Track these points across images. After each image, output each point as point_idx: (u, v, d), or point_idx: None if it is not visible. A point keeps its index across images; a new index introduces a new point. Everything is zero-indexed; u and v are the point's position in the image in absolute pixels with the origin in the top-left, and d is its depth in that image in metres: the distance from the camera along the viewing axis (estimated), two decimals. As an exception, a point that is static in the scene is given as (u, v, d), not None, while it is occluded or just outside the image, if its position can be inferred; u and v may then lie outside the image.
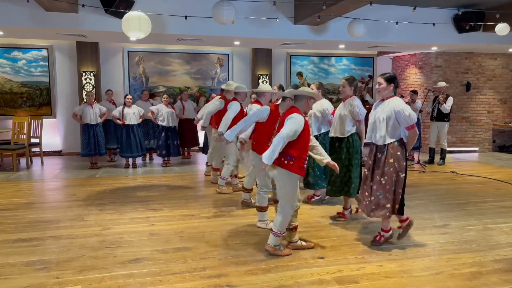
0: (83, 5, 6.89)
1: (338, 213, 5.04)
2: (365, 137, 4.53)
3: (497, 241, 4.29)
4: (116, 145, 8.87)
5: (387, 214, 3.95)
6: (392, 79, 3.98)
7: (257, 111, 4.37)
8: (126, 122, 8.09)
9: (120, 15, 6.60)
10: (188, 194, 6.25)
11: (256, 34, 8.08)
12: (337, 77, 11.40)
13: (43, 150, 8.89)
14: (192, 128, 9.44)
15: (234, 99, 6.03)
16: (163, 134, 8.32)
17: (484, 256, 3.88)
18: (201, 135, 9.77)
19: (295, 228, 4.01)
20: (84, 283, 3.30)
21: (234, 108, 5.79)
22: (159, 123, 8.27)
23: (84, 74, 9.60)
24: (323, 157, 3.96)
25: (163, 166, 8.51)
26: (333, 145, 4.92)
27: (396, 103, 3.88)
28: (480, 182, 7.21)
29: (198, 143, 9.73)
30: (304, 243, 4.06)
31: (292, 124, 3.58)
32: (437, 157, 9.24)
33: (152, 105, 8.84)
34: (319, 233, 4.50)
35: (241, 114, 5.68)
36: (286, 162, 3.64)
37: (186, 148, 9.62)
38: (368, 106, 10.97)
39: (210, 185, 6.86)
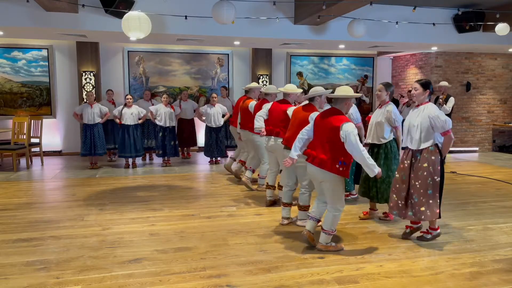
0: (83, 5, 6.89)
1: (384, 213, 4.99)
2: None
3: (497, 241, 4.29)
4: (115, 145, 8.87)
5: (423, 217, 4.03)
6: (428, 85, 4.05)
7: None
8: (123, 122, 8.11)
9: (120, 15, 6.60)
10: (188, 194, 6.25)
11: (256, 34, 8.08)
12: (337, 77, 11.40)
13: (43, 150, 8.89)
14: (190, 128, 9.44)
15: (265, 100, 6.07)
16: (160, 134, 8.36)
17: (484, 256, 3.88)
18: (200, 135, 9.77)
19: (319, 221, 4.12)
20: (84, 283, 3.30)
21: (266, 107, 5.91)
22: (157, 123, 8.29)
23: (84, 74, 9.60)
24: None
25: (163, 166, 8.51)
26: (371, 151, 4.86)
27: (432, 109, 3.95)
28: (480, 182, 7.21)
29: (196, 143, 9.73)
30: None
31: (355, 138, 3.66)
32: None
33: (152, 105, 8.84)
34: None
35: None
36: (341, 169, 3.77)
37: (185, 148, 9.62)
38: (365, 105, 11.00)
39: (210, 185, 6.87)
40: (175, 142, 8.50)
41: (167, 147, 8.39)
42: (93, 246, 4.09)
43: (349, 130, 3.65)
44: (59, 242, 4.19)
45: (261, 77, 10.58)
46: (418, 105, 4.09)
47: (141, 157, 8.97)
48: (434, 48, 10.05)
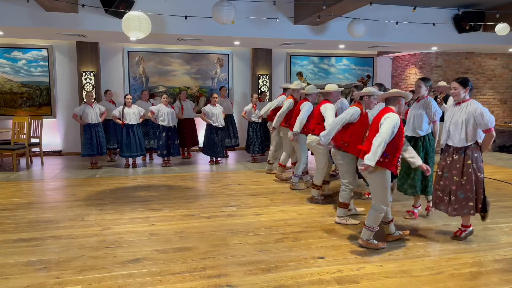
0: (83, 5, 6.89)
1: (408, 211, 5.14)
2: (439, 138, 4.81)
3: (497, 241, 4.29)
4: (116, 145, 8.87)
5: (471, 212, 4.10)
6: (466, 82, 4.07)
7: (348, 114, 4.56)
8: (126, 122, 8.09)
9: (120, 15, 6.60)
10: (188, 194, 6.25)
11: (256, 34, 8.08)
12: (337, 77, 11.40)
13: (43, 150, 8.89)
14: (191, 128, 9.42)
15: (305, 99, 6.20)
16: (163, 134, 8.32)
17: (484, 256, 3.88)
18: (200, 135, 9.77)
19: (391, 221, 4.15)
20: (84, 283, 3.30)
21: (307, 108, 6.05)
22: (160, 123, 8.26)
23: (84, 74, 9.60)
24: (415, 160, 4.06)
25: (163, 166, 8.50)
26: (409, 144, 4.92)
27: (475, 107, 3.98)
28: (480, 182, 7.20)
29: (197, 143, 9.71)
30: (401, 232, 4.21)
31: (390, 123, 3.72)
32: (437, 157, 9.22)
33: (153, 105, 8.83)
34: (319, 233, 4.50)
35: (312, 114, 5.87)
36: (381, 159, 3.77)
37: (186, 148, 9.61)
38: None
39: (210, 185, 6.87)
40: (177, 141, 8.54)
41: (172, 146, 8.39)
42: (93, 246, 4.09)
43: (389, 117, 3.73)
44: (59, 242, 4.19)
45: (261, 77, 10.58)
46: (459, 103, 4.11)
47: (141, 157, 8.97)
48: (434, 48, 10.05)
